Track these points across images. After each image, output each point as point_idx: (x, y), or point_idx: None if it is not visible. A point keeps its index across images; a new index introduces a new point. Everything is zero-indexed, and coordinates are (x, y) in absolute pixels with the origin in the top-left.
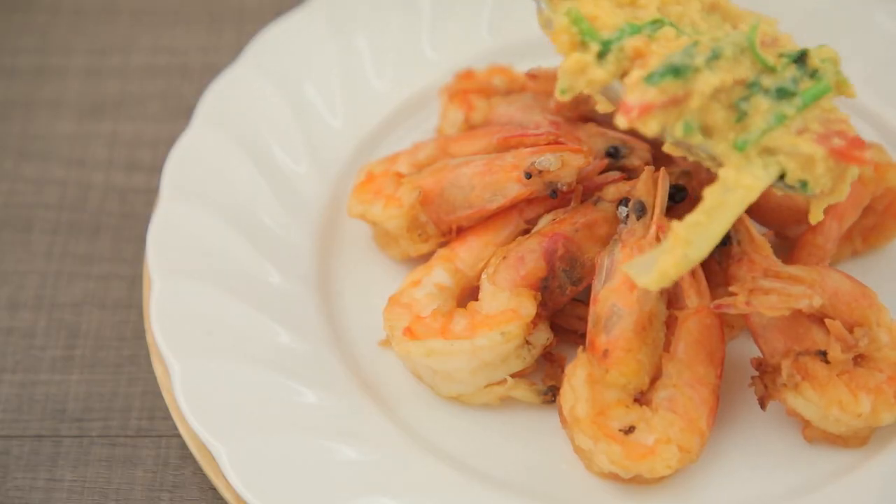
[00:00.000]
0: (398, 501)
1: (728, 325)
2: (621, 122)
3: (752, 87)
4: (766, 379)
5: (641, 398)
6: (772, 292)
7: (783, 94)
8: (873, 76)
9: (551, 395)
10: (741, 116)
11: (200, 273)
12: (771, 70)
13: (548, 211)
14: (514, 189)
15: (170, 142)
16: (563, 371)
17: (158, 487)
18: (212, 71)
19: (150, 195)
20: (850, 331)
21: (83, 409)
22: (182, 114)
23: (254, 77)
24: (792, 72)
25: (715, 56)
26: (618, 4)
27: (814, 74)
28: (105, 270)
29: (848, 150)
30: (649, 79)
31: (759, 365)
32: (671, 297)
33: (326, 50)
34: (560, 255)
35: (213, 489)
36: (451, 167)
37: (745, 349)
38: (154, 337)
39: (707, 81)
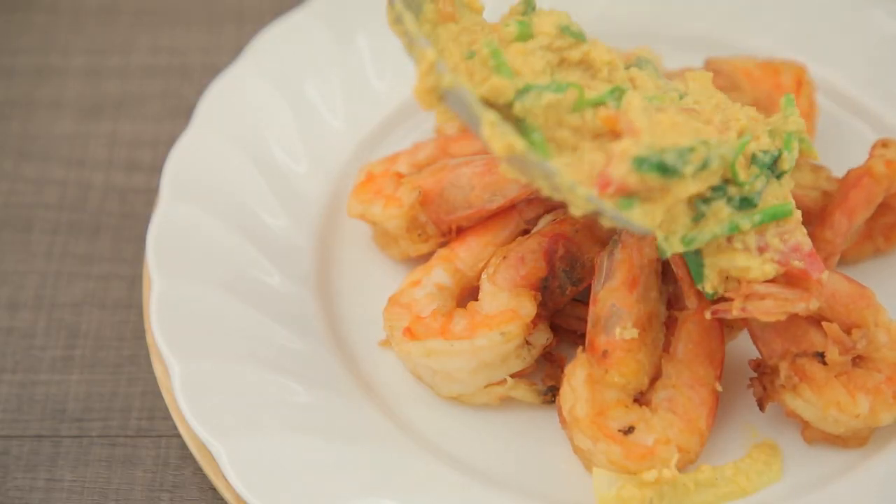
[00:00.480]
0: (398, 501)
1: (728, 326)
2: (586, 194)
3: (717, 190)
4: (764, 380)
5: (641, 398)
6: (767, 297)
7: (745, 204)
8: (873, 76)
9: (551, 395)
10: (699, 216)
11: (200, 273)
12: (740, 185)
13: (548, 211)
14: (514, 189)
15: (170, 142)
16: (562, 371)
17: (158, 487)
18: (212, 71)
19: (149, 195)
20: (849, 332)
21: (83, 410)
22: (182, 114)
23: (254, 77)
24: (761, 184)
25: (704, 167)
26: (550, 66)
27: (780, 176)
28: (105, 270)
29: (805, 274)
30: (638, 164)
31: (758, 366)
32: (671, 298)
33: (326, 50)
34: (560, 256)
35: (213, 489)
36: (450, 167)
37: (745, 350)
38: (154, 337)
39: (686, 189)
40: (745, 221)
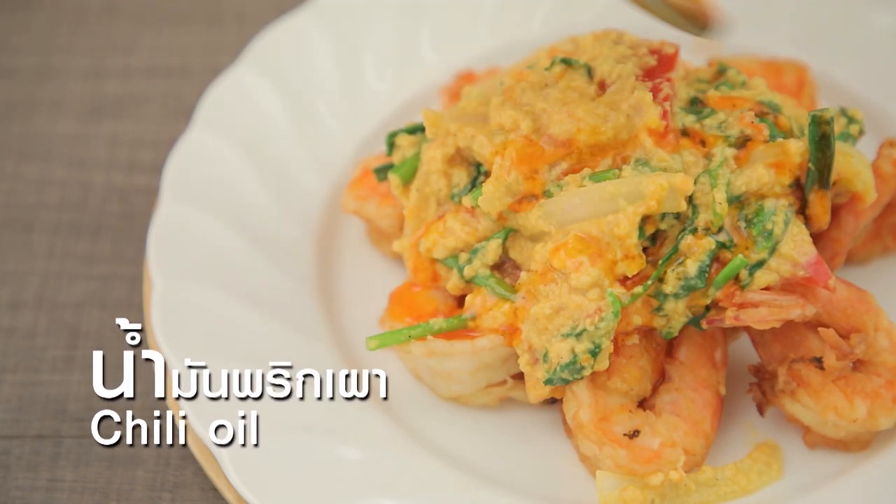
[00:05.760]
0: (398, 501)
1: (730, 328)
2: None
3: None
4: (763, 385)
5: (644, 404)
6: (761, 305)
7: (689, 289)
8: (873, 76)
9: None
10: (662, 314)
11: (201, 273)
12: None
13: None
14: None
15: (170, 142)
16: None
17: (159, 487)
18: (212, 72)
19: (150, 196)
20: (847, 337)
21: (84, 409)
22: (182, 114)
23: (254, 78)
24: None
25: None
26: None
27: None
28: (106, 271)
29: (810, 281)
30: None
31: (757, 371)
32: None
33: (326, 50)
34: None
35: (214, 489)
36: None
37: (748, 352)
38: (154, 337)
39: (674, 308)
40: (703, 299)
